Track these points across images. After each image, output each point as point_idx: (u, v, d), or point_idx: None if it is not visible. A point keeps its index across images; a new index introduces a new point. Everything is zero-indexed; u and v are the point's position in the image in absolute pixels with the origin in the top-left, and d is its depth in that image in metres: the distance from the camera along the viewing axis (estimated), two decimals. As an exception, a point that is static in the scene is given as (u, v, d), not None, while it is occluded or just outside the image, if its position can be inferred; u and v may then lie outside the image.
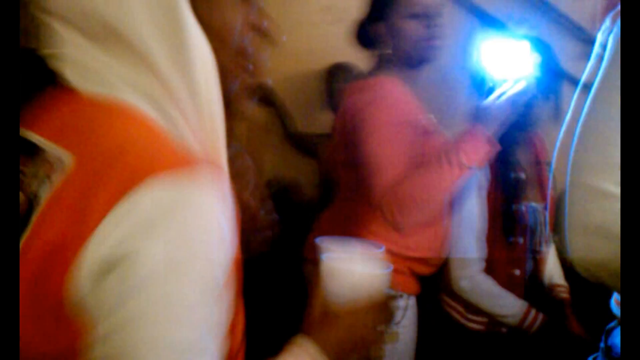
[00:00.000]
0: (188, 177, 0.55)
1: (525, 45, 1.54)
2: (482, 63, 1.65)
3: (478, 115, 1.49)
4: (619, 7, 0.96)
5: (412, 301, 1.62)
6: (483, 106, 1.49)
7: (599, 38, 1.06)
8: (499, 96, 1.48)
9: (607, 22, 1.00)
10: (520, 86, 1.47)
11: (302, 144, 2.43)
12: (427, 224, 1.58)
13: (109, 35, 0.58)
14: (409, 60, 1.63)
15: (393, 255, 1.58)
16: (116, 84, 0.59)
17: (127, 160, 0.55)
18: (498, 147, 1.50)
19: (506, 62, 1.50)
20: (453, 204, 1.63)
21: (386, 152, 1.54)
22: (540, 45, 1.64)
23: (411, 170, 1.51)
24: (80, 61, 0.60)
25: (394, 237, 1.57)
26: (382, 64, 1.65)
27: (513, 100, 1.48)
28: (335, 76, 2.41)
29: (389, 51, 1.63)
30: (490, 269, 1.64)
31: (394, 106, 1.58)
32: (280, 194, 2.27)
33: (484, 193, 1.65)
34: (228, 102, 0.66)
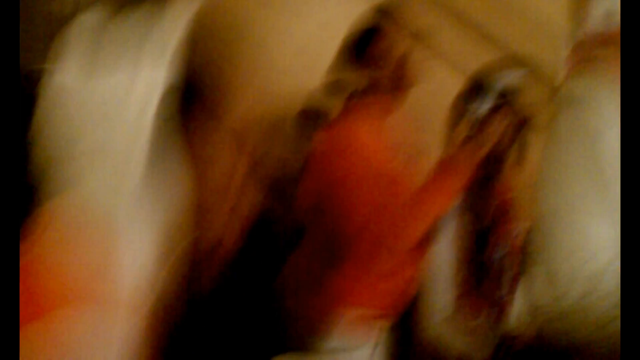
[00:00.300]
0: (93, 317, 0.55)
1: (494, 91, 1.59)
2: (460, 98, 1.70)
3: (448, 163, 1.50)
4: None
5: (378, 349, 1.61)
6: (453, 154, 1.50)
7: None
8: (468, 142, 1.51)
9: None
10: (488, 133, 1.50)
11: (273, 186, 2.43)
12: (395, 269, 1.58)
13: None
14: (394, 84, 1.64)
15: (363, 300, 1.59)
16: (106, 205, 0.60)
17: (61, 279, 0.57)
18: (466, 193, 1.54)
19: (472, 107, 1.55)
20: (423, 249, 1.62)
21: (356, 200, 1.54)
22: (505, 92, 1.67)
23: (381, 217, 1.51)
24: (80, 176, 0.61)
25: (363, 282, 1.57)
26: (368, 88, 1.65)
27: (481, 148, 1.49)
28: (305, 121, 2.44)
29: (376, 75, 1.64)
30: (458, 313, 1.65)
31: (363, 153, 1.58)
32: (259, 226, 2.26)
33: (452, 238, 1.67)
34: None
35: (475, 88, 1.71)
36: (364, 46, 1.66)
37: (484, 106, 1.55)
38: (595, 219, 0.89)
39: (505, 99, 1.64)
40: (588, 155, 0.89)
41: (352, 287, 1.60)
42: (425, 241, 1.61)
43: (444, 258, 1.68)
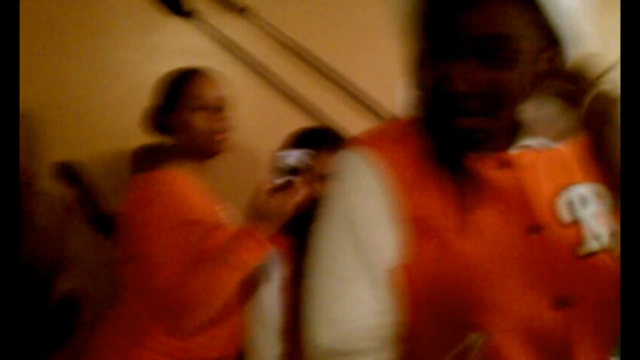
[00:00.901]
0: None
1: (320, 136, 1.65)
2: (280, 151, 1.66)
3: (255, 213, 1.51)
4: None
5: None
6: (260, 204, 1.50)
7: None
8: (278, 193, 1.51)
9: None
10: (297, 183, 1.52)
11: (110, 225, 2.09)
12: (213, 323, 1.54)
13: None
14: (198, 152, 1.64)
15: (182, 353, 1.55)
16: None
17: None
18: (275, 238, 1.52)
19: (292, 155, 1.56)
20: (246, 298, 1.61)
21: (163, 251, 1.49)
22: (332, 135, 1.74)
23: (191, 270, 1.47)
24: None
25: (177, 339, 1.53)
26: (173, 154, 1.65)
27: (291, 197, 1.51)
28: (139, 158, 2.19)
29: (179, 142, 1.64)
30: None
31: (171, 203, 1.54)
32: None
33: (281, 285, 1.62)
34: None
35: (295, 139, 1.74)
36: (167, 114, 1.66)
37: (297, 155, 1.55)
38: (356, 285, 0.92)
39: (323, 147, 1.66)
40: (345, 227, 0.95)
41: (166, 345, 1.55)
42: (246, 290, 1.58)
43: (272, 304, 1.62)
